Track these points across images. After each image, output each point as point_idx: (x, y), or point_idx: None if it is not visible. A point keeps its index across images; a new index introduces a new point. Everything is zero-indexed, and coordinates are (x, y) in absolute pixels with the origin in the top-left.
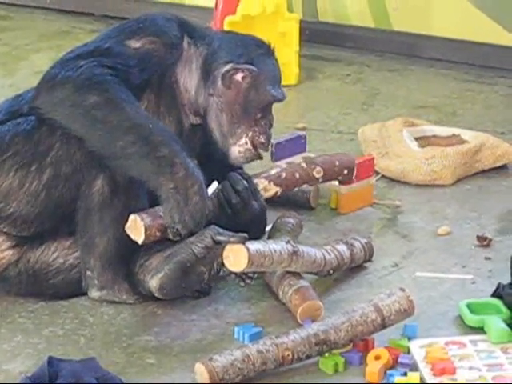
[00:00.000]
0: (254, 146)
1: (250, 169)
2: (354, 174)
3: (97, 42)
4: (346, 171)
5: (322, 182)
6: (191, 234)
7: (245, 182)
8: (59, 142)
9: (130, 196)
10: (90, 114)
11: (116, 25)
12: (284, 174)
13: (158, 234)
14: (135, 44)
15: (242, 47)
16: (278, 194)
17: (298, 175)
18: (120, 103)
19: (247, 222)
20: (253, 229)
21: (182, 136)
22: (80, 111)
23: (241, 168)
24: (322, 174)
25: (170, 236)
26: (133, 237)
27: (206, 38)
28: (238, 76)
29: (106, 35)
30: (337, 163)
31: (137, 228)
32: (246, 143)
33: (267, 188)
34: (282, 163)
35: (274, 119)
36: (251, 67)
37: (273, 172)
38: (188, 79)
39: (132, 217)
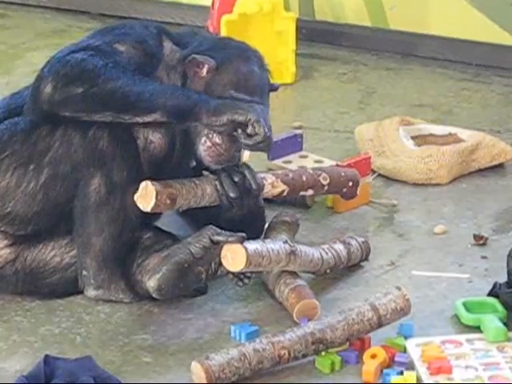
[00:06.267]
0: (214, 145)
1: None
2: (359, 190)
3: (85, 41)
4: (350, 183)
5: (327, 191)
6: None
7: (245, 172)
8: (59, 141)
9: (127, 196)
10: (118, 95)
11: (96, 31)
12: (291, 175)
13: (168, 201)
14: (121, 48)
15: (222, 49)
16: (285, 193)
17: (304, 178)
18: (135, 77)
19: (243, 218)
20: (250, 225)
21: (173, 143)
22: (108, 98)
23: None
24: (328, 181)
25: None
26: (142, 206)
27: (187, 42)
28: (198, 68)
29: (90, 37)
30: (342, 174)
31: (147, 195)
32: (206, 141)
33: (275, 184)
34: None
35: (271, 118)
36: (210, 60)
37: (280, 172)
38: (171, 83)
39: (143, 183)
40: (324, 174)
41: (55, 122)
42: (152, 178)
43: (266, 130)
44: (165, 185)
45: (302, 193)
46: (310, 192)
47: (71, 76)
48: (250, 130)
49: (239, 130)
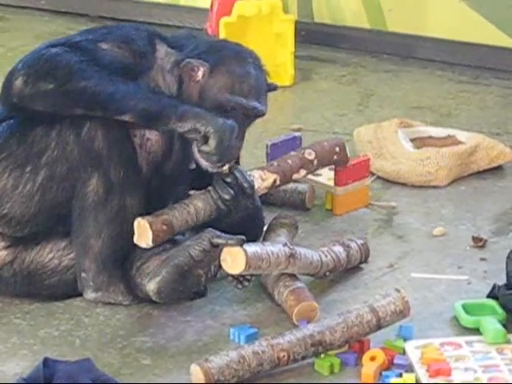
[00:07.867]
0: None
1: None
2: (348, 152)
3: (68, 37)
4: (337, 149)
5: (317, 165)
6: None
7: (235, 172)
8: (54, 142)
9: (125, 196)
10: (89, 94)
11: (84, 30)
12: (276, 163)
13: (164, 227)
14: (104, 46)
15: (216, 51)
16: (278, 182)
17: (290, 161)
18: (109, 76)
19: (242, 220)
20: (250, 228)
21: (171, 143)
22: (78, 96)
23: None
24: (314, 155)
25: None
26: (144, 244)
27: (183, 45)
28: (193, 72)
29: (75, 35)
30: (325, 143)
31: (143, 231)
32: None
33: (263, 177)
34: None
35: (270, 120)
36: (205, 63)
37: (264, 165)
38: (167, 86)
39: (135, 223)
40: (308, 150)
41: (28, 116)
42: (152, 178)
43: (216, 146)
44: (155, 214)
45: (294, 176)
46: (303, 172)
47: (43, 71)
48: (200, 138)
49: (198, 137)
